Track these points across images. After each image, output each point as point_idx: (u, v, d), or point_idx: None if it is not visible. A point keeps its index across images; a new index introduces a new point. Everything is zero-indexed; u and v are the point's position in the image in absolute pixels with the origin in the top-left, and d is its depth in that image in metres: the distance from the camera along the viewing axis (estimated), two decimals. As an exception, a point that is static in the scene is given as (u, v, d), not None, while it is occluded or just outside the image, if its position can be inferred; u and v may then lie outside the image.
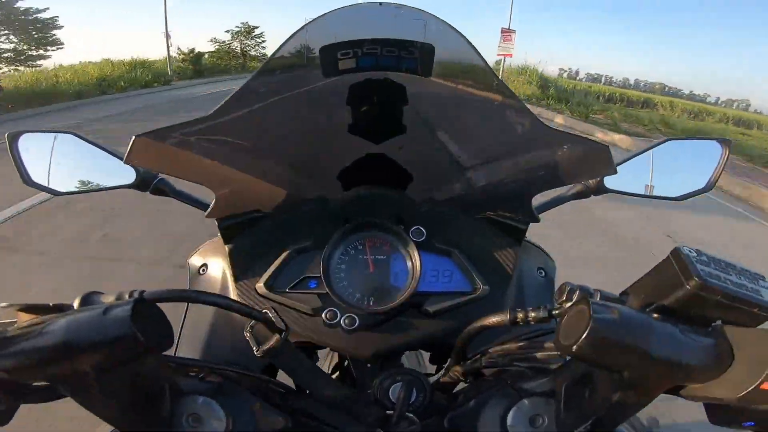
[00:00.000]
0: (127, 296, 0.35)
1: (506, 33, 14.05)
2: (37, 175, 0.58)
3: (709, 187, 0.58)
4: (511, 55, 16.11)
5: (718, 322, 0.30)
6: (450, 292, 0.50)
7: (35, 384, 0.32)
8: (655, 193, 0.60)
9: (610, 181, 0.58)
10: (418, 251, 0.49)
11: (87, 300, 0.34)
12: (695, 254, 0.29)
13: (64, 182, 0.59)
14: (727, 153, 0.57)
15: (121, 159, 0.57)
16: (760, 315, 0.28)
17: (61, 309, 0.33)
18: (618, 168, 0.58)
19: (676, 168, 0.59)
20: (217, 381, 0.40)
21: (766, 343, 0.27)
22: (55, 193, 0.58)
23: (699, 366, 0.28)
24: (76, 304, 0.34)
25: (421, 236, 0.51)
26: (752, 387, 0.26)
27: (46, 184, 0.58)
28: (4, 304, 0.33)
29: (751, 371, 0.27)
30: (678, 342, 0.28)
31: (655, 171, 0.59)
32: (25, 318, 0.32)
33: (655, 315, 0.30)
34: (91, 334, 0.28)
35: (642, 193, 0.59)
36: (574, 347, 0.27)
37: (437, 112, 0.52)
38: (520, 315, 0.37)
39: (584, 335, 0.27)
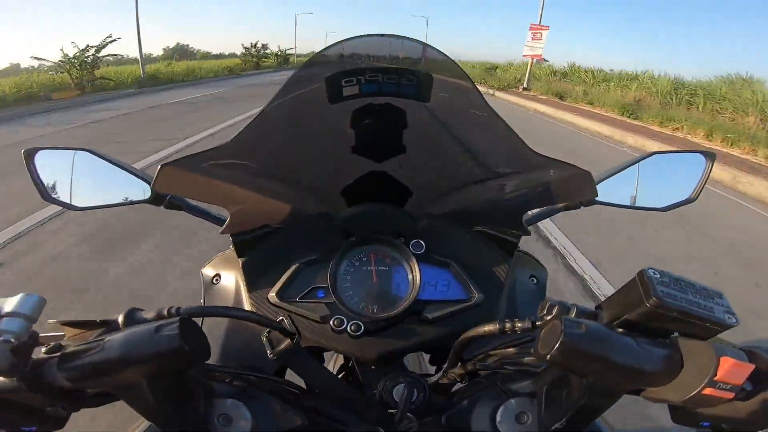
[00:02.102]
0: (165, 312, 0.38)
1: (536, 30, 11.43)
2: (55, 191, 0.60)
3: (693, 198, 0.61)
4: (540, 57, 13.02)
5: (675, 335, 0.34)
6: (447, 300, 0.53)
7: (91, 391, 0.36)
8: (641, 204, 0.63)
9: (599, 193, 0.61)
10: (418, 263, 0.53)
11: (130, 316, 0.38)
12: (658, 276, 0.33)
13: (81, 198, 0.61)
14: (711, 165, 0.60)
15: (136, 175, 0.60)
16: (711, 328, 0.32)
17: (107, 324, 0.37)
18: (606, 181, 0.61)
19: (662, 180, 0.62)
20: (242, 384, 0.44)
21: (708, 354, 0.31)
22: (73, 209, 0.60)
23: (652, 372, 0.32)
24: (120, 319, 0.37)
25: (420, 249, 0.54)
26: (695, 391, 0.31)
27: (64, 200, 0.60)
28: (52, 321, 0.36)
29: (695, 378, 0.31)
30: (635, 352, 0.32)
31: (641, 183, 0.61)
32: (71, 332, 0.36)
33: (620, 329, 0.34)
34: (146, 349, 0.33)
35: (629, 204, 0.62)
36: (548, 356, 0.32)
37: (434, 134, 0.55)
38: (508, 325, 0.41)
39: (556, 346, 0.31)
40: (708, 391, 0.30)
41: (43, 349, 0.34)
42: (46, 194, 0.60)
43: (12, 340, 0.32)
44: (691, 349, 0.32)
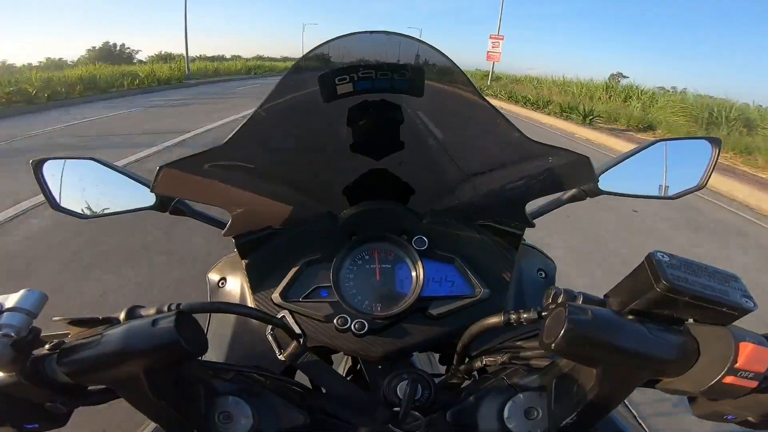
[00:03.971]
0: (166, 309, 0.38)
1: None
2: (64, 200, 0.61)
3: (701, 185, 0.59)
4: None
5: (690, 321, 0.32)
6: (452, 296, 0.53)
7: (91, 388, 0.37)
8: (648, 193, 0.61)
9: (604, 183, 0.60)
10: (421, 259, 0.52)
11: (131, 313, 0.38)
12: (667, 259, 0.31)
13: (88, 206, 0.61)
14: (717, 151, 0.59)
15: (140, 182, 0.61)
16: (727, 313, 0.30)
17: (109, 321, 0.37)
18: (612, 170, 0.60)
19: (668, 168, 0.60)
20: (244, 382, 0.44)
21: (728, 341, 0.29)
22: (82, 217, 0.61)
23: (666, 361, 0.31)
24: (122, 317, 0.38)
25: (423, 245, 0.54)
26: (714, 381, 0.29)
27: (72, 209, 0.61)
28: (57, 318, 0.37)
29: (714, 367, 0.29)
30: (646, 339, 0.31)
31: (648, 171, 0.60)
32: (76, 330, 0.36)
33: (630, 316, 0.32)
34: (143, 341, 0.33)
35: (636, 193, 0.61)
36: (553, 344, 0.31)
37: (431, 128, 0.55)
38: (513, 317, 0.40)
39: (561, 334, 0.30)
40: (729, 379, 0.28)
41: (47, 346, 0.35)
42: (55, 203, 0.61)
43: (12, 334, 0.32)
44: (707, 335, 0.31)
